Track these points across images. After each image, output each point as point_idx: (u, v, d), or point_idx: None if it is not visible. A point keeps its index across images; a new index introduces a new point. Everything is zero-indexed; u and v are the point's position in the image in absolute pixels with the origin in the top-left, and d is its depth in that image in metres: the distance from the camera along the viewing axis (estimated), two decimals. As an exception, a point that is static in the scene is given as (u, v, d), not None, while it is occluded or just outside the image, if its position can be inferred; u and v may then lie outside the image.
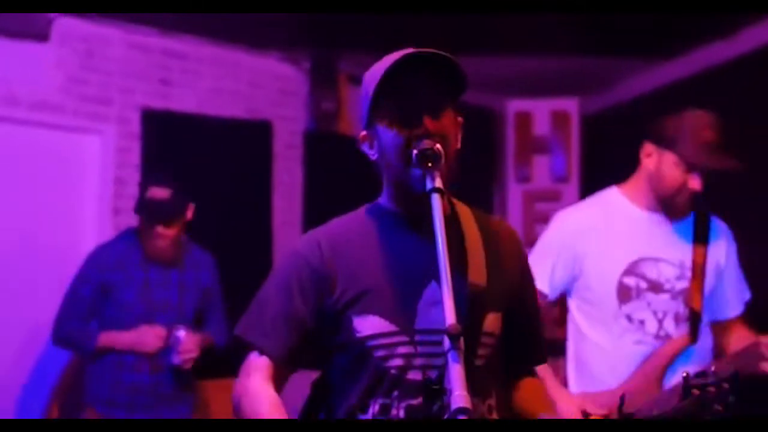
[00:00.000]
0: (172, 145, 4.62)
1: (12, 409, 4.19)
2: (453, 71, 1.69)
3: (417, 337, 1.68)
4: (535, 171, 5.81)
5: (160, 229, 3.47)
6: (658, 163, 2.57)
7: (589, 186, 3.96)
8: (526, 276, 1.87)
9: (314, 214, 5.22)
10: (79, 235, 4.41)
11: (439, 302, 1.51)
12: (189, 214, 3.57)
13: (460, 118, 1.76)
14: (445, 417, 1.37)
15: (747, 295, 2.75)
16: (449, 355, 1.41)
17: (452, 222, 1.76)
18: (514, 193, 5.86)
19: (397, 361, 1.69)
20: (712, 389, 1.66)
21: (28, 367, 4.23)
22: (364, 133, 1.79)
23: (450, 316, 1.44)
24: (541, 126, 5.62)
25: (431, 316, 1.68)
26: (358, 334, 1.71)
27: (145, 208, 3.51)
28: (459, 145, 1.74)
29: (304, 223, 5.20)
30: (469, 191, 2.00)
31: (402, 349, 1.69)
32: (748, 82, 4.44)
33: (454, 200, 1.85)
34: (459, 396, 1.36)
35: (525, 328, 1.85)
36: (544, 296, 2.58)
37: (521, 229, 5.78)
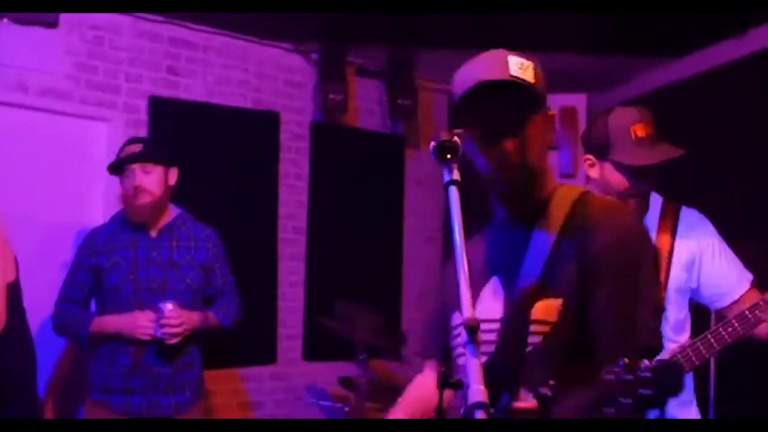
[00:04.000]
0: (179, 134, 4.61)
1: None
2: (528, 90, 1.75)
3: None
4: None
5: (138, 178, 3.42)
6: (600, 171, 2.56)
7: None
8: (608, 266, 1.74)
9: (320, 205, 5.21)
10: (87, 222, 4.36)
11: (497, 294, 1.65)
12: (172, 177, 3.54)
13: (551, 112, 1.83)
14: (462, 411, 1.37)
15: (747, 276, 2.67)
16: (467, 349, 1.41)
17: (537, 210, 1.81)
18: (520, 189, 5.83)
19: (460, 350, 1.81)
20: (627, 377, 1.60)
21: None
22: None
23: (467, 310, 1.45)
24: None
25: (490, 306, 1.77)
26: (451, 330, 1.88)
27: (120, 161, 3.49)
28: (551, 140, 1.83)
29: (310, 213, 5.19)
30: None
31: (463, 339, 1.73)
32: (758, 80, 4.43)
33: (565, 185, 1.89)
34: (476, 390, 1.36)
35: (598, 320, 1.74)
36: None
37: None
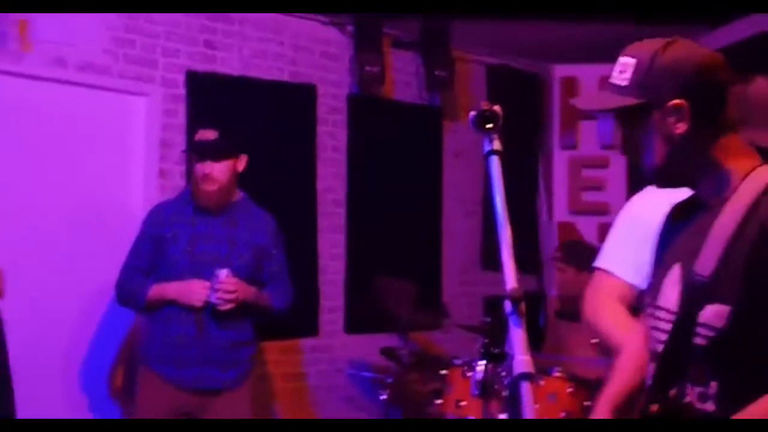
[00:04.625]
0: (217, 108, 4.61)
1: (78, 372, 4.26)
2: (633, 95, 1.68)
3: (658, 314, 1.73)
4: (581, 137, 5.72)
5: (208, 167, 3.48)
6: None
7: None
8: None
9: (358, 178, 5.20)
10: (127, 197, 4.43)
11: (676, 284, 1.64)
12: (240, 164, 3.59)
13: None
14: (507, 381, 1.36)
15: None
16: (510, 320, 1.39)
17: (724, 193, 1.67)
18: (560, 160, 5.78)
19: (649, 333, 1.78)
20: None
21: (88, 330, 4.30)
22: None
23: (510, 281, 1.43)
24: (588, 92, 5.52)
25: (669, 295, 1.70)
26: None
27: (194, 148, 3.56)
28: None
29: (348, 186, 5.18)
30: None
31: (649, 323, 1.77)
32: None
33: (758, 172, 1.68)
34: (521, 360, 1.35)
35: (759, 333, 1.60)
36: None
37: (567, 196, 5.72)
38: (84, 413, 4.28)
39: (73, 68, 4.20)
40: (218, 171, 3.50)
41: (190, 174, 4.18)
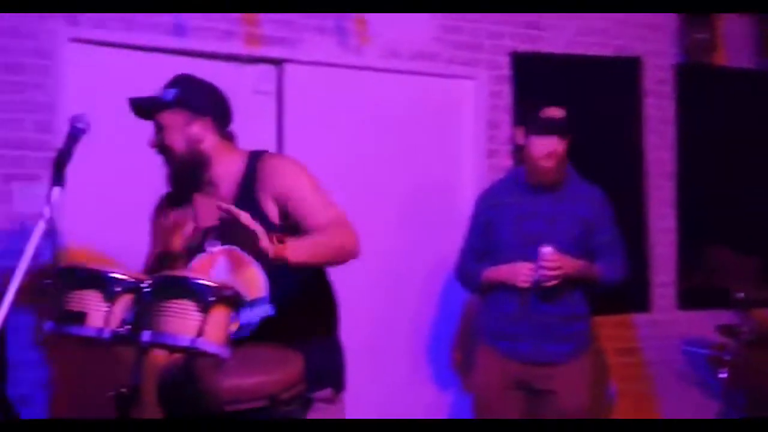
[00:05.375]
0: (541, 87, 4.67)
1: (424, 347, 4.54)
2: None
3: None
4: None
5: (553, 143, 3.50)
6: None
7: None
8: None
9: (689, 149, 5.01)
10: (457, 178, 4.61)
11: None
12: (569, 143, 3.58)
13: None
14: None
15: None
16: None
17: None
18: None
19: None
20: None
21: (429, 307, 4.55)
22: None
23: None
24: None
25: None
26: None
27: (539, 123, 3.54)
28: None
29: (678, 158, 5.02)
30: None
31: None
32: None
33: None
34: None
35: None
36: None
37: None
38: (428, 385, 4.56)
39: (406, 58, 4.45)
40: (560, 149, 3.51)
41: (517, 154, 4.28)
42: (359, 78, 4.36)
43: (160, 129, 2.54)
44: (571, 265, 3.47)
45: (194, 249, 2.55)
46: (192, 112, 2.53)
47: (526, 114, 3.69)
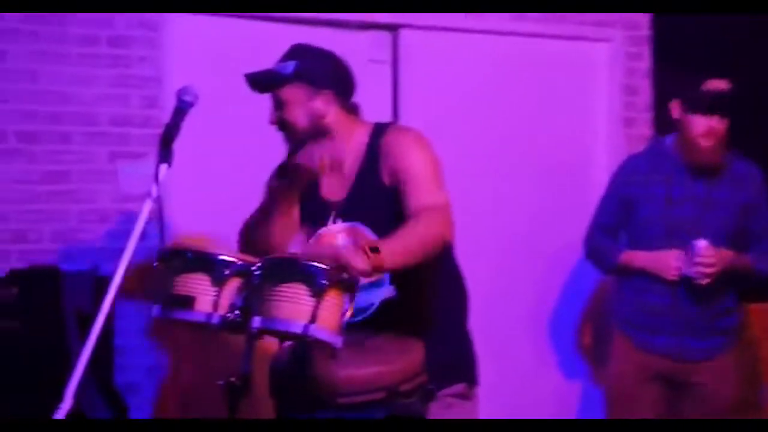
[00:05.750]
0: (687, 50, 4.50)
1: (546, 329, 4.50)
2: None
3: None
4: None
5: (715, 121, 3.34)
6: None
7: None
8: None
9: None
10: (591, 148, 4.52)
11: None
12: None
13: None
14: None
15: None
16: None
17: None
18: None
19: None
20: None
21: (555, 285, 4.50)
22: None
23: None
24: None
25: None
26: None
27: (700, 98, 3.37)
28: None
29: None
30: None
31: None
32: None
33: None
34: None
35: None
36: None
37: None
38: (552, 370, 4.49)
39: (533, 20, 4.35)
40: (722, 127, 3.34)
41: (659, 123, 4.14)
42: (481, 43, 4.30)
43: (279, 104, 2.53)
44: (727, 259, 3.31)
45: (316, 224, 2.55)
46: (313, 86, 2.50)
47: (683, 85, 3.50)
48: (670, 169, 3.45)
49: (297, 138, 2.53)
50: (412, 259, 2.24)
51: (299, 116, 2.51)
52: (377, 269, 2.13)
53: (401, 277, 2.42)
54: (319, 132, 2.53)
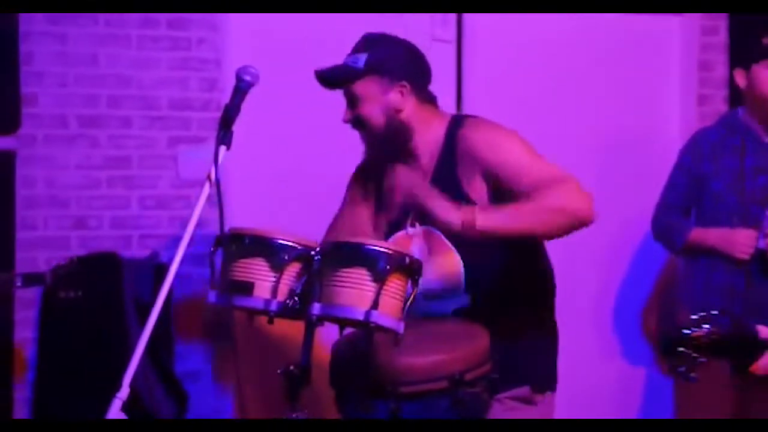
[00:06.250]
0: (765, 22, 4.36)
1: (611, 313, 4.41)
2: None
3: None
4: None
5: None
6: None
7: None
8: None
9: None
10: (663, 126, 4.42)
11: None
12: None
13: None
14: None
15: None
16: None
17: None
18: None
19: None
20: None
21: (620, 267, 4.41)
22: None
23: None
24: None
25: None
26: None
27: (762, 49, 3.30)
28: None
29: None
30: None
31: None
32: None
33: None
34: None
35: None
36: None
37: None
38: (618, 359, 4.40)
39: (602, -8, 4.27)
40: None
41: (734, 100, 4.01)
42: (547, 20, 4.20)
43: (353, 101, 2.43)
44: None
45: (393, 226, 2.49)
46: (387, 78, 2.40)
47: (745, 47, 3.41)
48: (741, 140, 3.36)
49: (374, 136, 2.43)
50: (516, 228, 2.18)
51: (375, 112, 2.41)
52: (467, 225, 2.08)
53: (476, 286, 2.36)
54: (396, 129, 2.42)
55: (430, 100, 2.49)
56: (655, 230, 3.60)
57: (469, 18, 4.12)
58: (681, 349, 1.71)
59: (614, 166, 4.34)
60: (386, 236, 2.49)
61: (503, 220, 2.17)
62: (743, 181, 3.32)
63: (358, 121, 2.44)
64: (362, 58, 2.40)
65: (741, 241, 3.26)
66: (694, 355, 1.72)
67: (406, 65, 2.44)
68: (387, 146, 2.45)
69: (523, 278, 2.46)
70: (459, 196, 2.29)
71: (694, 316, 1.71)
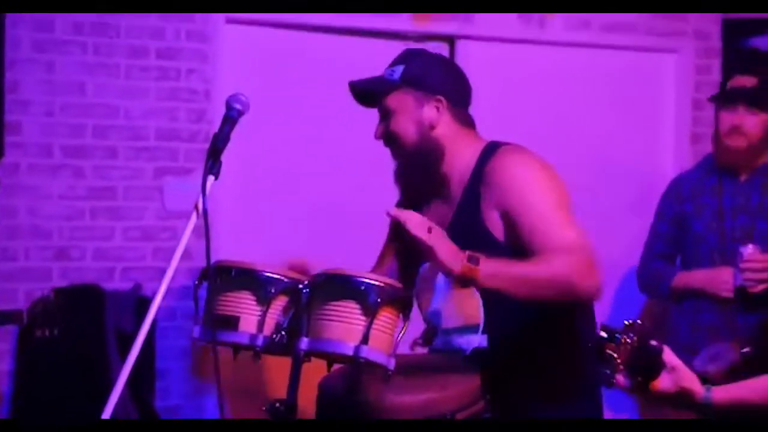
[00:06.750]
0: (757, 59, 4.37)
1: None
2: None
3: None
4: None
5: (738, 117, 3.26)
6: None
7: None
8: None
9: None
10: (657, 164, 4.42)
11: None
12: None
13: None
14: None
15: None
16: None
17: None
18: None
19: None
20: None
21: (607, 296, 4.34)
22: None
23: None
24: None
25: None
26: None
27: (725, 95, 3.37)
28: None
29: None
30: None
31: None
32: None
33: None
34: None
35: None
36: None
37: None
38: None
39: (597, 29, 4.29)
40: (751, 125, 3.27)
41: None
42: (542, 54, 4.26)
43: (385, 115, 2.30)
44: None
45: (418, 260, 2.31)
46: (423, 91, 2.28)
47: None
48: (718, 180, 3.39)
49: (405, 153, 2.30)
50: (513, 289, 2.03)
51: (407, 126, 2.28)
52: (466, 278, 1.98)
53: (494, 327, 2.24)
54: (428, 146, 2.29)
55: (467, 122, 2.38)
56: (641, 280, 3.61)
57: (462, 50, 4.14)
58: (609, 352, 1.68)
59: (610, 204, 4.34)
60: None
61: (504, 284, 2.04)
62: (723, 221, 3.34)
63: (388, 137, 2.31)
64: (399, 70, 2.30)
65: (723, 279, 3.27)
66: (618, 360, 1.69)
67: (443, 80, 2.33)
68: (417, 166, 2.31)
69: (552, 330, 2.29)
70: (479, 230, 2.19)
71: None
